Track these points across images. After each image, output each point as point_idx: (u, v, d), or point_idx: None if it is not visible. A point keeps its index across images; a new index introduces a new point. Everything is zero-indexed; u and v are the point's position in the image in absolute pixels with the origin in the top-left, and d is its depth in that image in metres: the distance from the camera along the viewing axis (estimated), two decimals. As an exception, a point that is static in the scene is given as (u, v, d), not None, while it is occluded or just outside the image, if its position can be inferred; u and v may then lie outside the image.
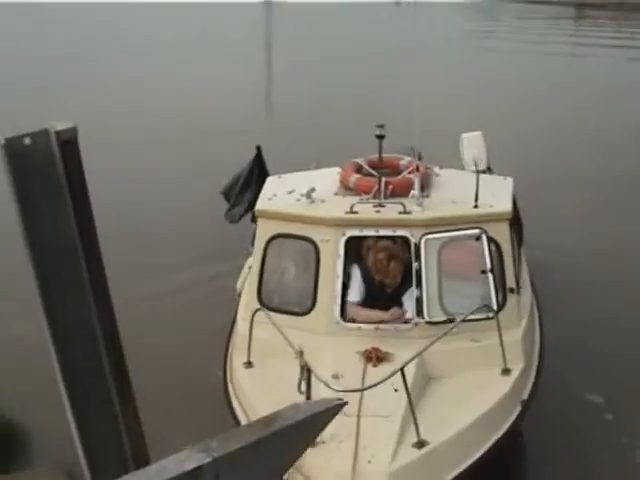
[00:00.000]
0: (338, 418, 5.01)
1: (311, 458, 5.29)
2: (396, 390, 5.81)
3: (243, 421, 6.49)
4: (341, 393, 5.50)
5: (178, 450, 2.74)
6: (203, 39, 43.26)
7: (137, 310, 10.74)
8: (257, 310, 7.17)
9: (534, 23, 59.77)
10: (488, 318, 6.83)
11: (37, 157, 3.56)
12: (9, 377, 9.47)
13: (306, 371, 5.75)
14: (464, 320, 6.66)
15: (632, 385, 9.60)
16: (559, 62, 36.67)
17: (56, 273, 3.71)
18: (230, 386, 7.27)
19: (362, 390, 5.82)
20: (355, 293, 7.40)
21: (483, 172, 10.56)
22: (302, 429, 3.13)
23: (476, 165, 9.45)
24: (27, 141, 3.53)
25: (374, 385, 5.65)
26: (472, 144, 11.79)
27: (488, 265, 6.97)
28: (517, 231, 8.55)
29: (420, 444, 5.74)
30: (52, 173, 3.64)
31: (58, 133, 3.59)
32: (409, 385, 5.83)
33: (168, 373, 9.65)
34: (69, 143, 3.64)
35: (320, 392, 5.66)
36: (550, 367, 8.02)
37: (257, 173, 9.54)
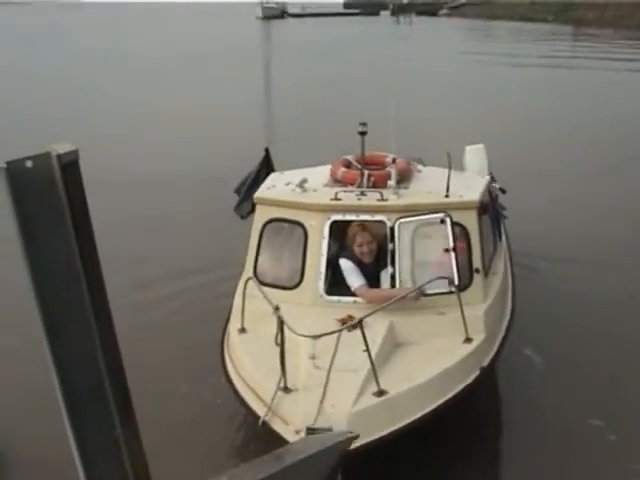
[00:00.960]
0: (312, 371, 6.58)
1: (286, 402, 6.47)
2: (364, 350, 6.51)
3: (234, 378, 7.45)
4: (309, 344, 6.74)
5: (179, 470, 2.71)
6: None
7: (146, 316, 11.09)
8: (248, 279, 8.02)
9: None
10: (452, 292, 7.58)
11: (39, 180, 3.55)
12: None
13: (279, 323, 6.56)
14: (433, 294, 7.69)
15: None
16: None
17: (57, 295, 3.69)
18: (225, 350, 8.11)
19: (317, 337, 6.63)
20: (357, 278, 8.21)
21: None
22: (312, 463, 3.09)
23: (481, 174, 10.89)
24: (29, 164, 3.51)
25: (327, 334, 6.56)
26: (474, 156, 12.39)
27: (451, 244, 7.83)
28: (494, 222, 9.64)
29: (380, 393, 6.54)
30: (54, 195, 3.62)
31: (59, 156, 3.58)
32: (378, 346, 6.95)
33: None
34: (70, 166, 3.62)
35: (293, 343, 6.63)
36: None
37: (265, 172, 10.29)
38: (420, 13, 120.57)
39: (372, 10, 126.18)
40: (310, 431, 6.16)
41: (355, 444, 6.10)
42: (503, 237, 10.58)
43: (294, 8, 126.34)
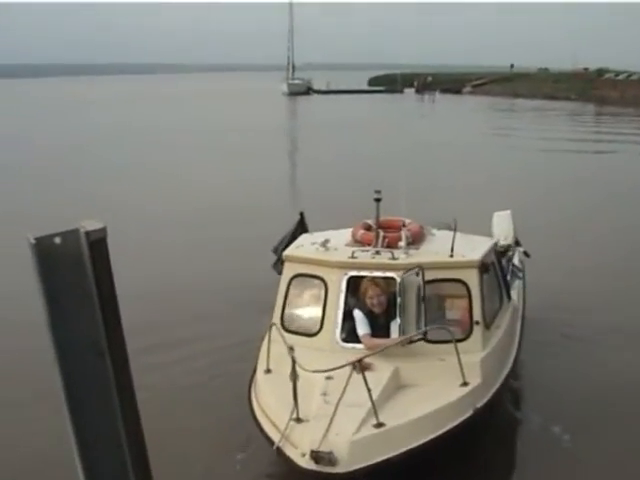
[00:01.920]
0: (322, 405, 7.71)
1: (297, 430, 7.65)
2: (369, 390, 7.52)
3: (257, 412, 8.62)
4: (322, 383, 8.06)
5: None
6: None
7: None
8: (272, 325, 9.47)
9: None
10: (450, 341, 8.50)
11: (67, 256, 3.53)
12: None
13: (292, 361, 7.68)
14: (435, 342, 8.83)
15: None
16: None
17: (82, 377, 3.65)
18: (252, 388, 9.25)
19: (323, 371, 7.95)
20: (363, 327, 9.30)
21: (509, 246, 13.45)
22: None
23: (506, 238, 13.33)
24: (57, 240, 3.50)
25: (331, 370, 7.81)
26: (502, 221, 14.16)
27: (421, 295, 8.92)
28: (500, 281, 10.84)
29: (378, 425, 7.62)
30: (81, 272, 3.60)
31: (88, 233, 3.57)
32: (382, 386, 8.15)
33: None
34: (98, 243, 3.61)
35: (309, 382, 7.94)
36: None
37: (299, 233, 11.32)
38: (444, 91, 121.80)
39: (396, 87, 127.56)
40: (314, 453, 7.23)
41: (353, 467, 7.25)
42: (515, 295, 11.82)
43: (320, 84, 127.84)
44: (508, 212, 14.47)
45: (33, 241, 3.45)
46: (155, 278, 17.08)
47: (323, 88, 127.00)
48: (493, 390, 8.94)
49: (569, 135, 50.47)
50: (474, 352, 8.92)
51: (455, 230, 9.75)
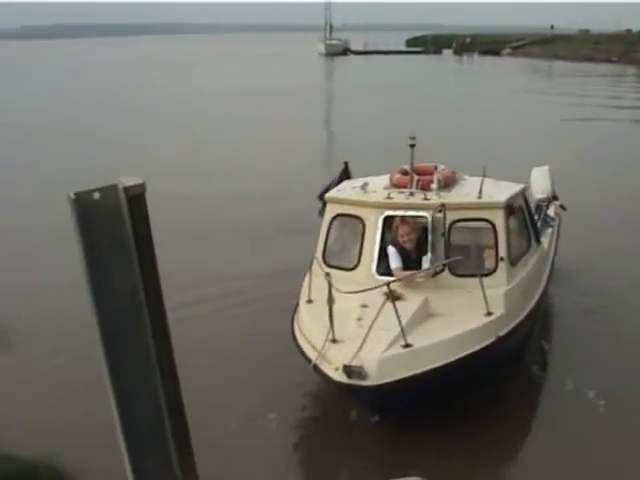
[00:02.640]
0: (356, 328, 8.47)
1: (332, 350, 8.42)
2: (399, 316, 8.34)
3: (298, 336, 9.44)
4: (358, 310, 8.91)
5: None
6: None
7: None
8: (313, 258, 10.43)
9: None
10: (478, 274, 9.30)
11: (105, 212, 3.58)
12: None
13: (329, 285, 8.65)
14: (463, 275, 9.68)
15: None
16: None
17: (120, 328, 3.71)
18: (295, 317, 10.05)
19: (359, 292, 8.80)
20: (395, 261, 10.05)
21: (548, 199, 14.59)
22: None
23: (544, 193, 14.45)
24: (96, 196, 3.55)
25: (360, 291, 8.80)
26: (540, 175, 14.94)
27: (435, 232, 9.92)
28: (529, 225, 11.49)
29: (406, 346, 8.38)
30: (120, 228, 3.65)
31: (126, 189, 3.61)
32: (411, 313, 8.91)
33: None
34: (137, 198, 3.65)
35: (346, 310, 8.78)
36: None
37: (344, 180, 12.01)
38: (483, 52, 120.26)
39: (435, 48, 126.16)
40: (346, 368, 7.99)
41: (381, 381, 8.03)
42: (546, 242, 12.68)
43: (357, 45, 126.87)
44: (546, 167, 15.13)
45: (72, 196, 3.49)
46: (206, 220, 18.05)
47: (360, 49, 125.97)
48: (516, 321, 9.62)
49: (604, 100, 49.58)
50: (499, 286, 9.61)
51: (484, 176, 10.47)
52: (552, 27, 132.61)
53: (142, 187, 3.67)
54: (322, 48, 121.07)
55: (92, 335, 3.72)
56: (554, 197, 14.94)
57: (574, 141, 31.11)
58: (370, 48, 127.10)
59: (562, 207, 14.94)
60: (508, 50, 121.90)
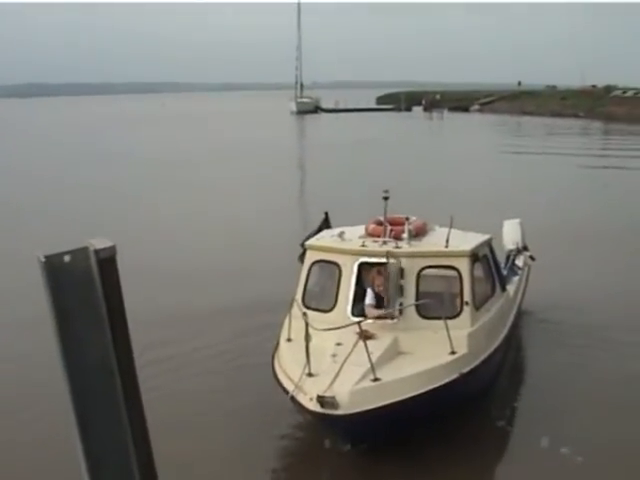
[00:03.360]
0: (330, 364, 9.18)
1: (307, 382, 9.19)
2: (369, 353, 9.13)
3: (278, 371, 10.22)
4: (333, 348, 9.70)
5: None
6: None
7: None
8: (293, 300, 11.12)
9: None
10: (443, 317, 10.09)
11: (76, 274, 3.56)
12: None
13: (305, 324, 9.38)
14: (432, 318, 10.42)
15: None
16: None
17: (90, 389, 3.67)
18: (275, 354, 10.80)
19: (329, 330, 9.60)
20: (370, 299, 11.07)
21: (517, 250, 15.54)
22: None
23: (515, 244, 15.46)
24: (67, 258, 3.53)
25: (333, 329, 9.66)
26: (511, 228, 15.98)
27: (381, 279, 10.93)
28: (494, 273, 12.35)
29: (375, 379, 9.15)
30: (90, 290, 3.63)
31: (97, 251, 3.60)
32: (382, 351, 9.75)
33: None
34: (108, 261, 3.64)
35: (321, 349, 9.59)
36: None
37: (324, 229, 12.74)
38: (452, 109, 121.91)
39: (405, 106, 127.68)
40: (319, 398, 8.77)
41: (352, 411, 8.80)
42: (512, 289, 13.58)
43: (328, 103, 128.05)
44: (517, 220, 16.20)
45: (43, 259, 3.48)
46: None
47: (331, 107, 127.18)
48: (479, 360, 10.39)
49: (574, 151, 50.39)
50: (463, 328, 10.44)
51: (451, 226, 11.29)
52: (519, 83, 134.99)
53: (112, 250, 3.66)
54: (293, 106, 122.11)
55: (63, 399, 3.68)
56: (524, 248, 15.83)
57: (542, 194, 31.51)
58: (341, 106, 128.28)
59: (531, 258, 15.75)
60: (477, 106, 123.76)
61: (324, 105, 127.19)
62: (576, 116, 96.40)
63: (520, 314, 13.78)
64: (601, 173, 40.76)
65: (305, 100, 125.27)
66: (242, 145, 58.59)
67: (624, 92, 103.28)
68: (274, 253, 20.30)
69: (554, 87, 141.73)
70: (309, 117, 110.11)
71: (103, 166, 45.31)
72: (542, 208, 27.35)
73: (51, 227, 24.38)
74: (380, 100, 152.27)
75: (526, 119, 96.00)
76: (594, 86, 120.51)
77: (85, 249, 3.60)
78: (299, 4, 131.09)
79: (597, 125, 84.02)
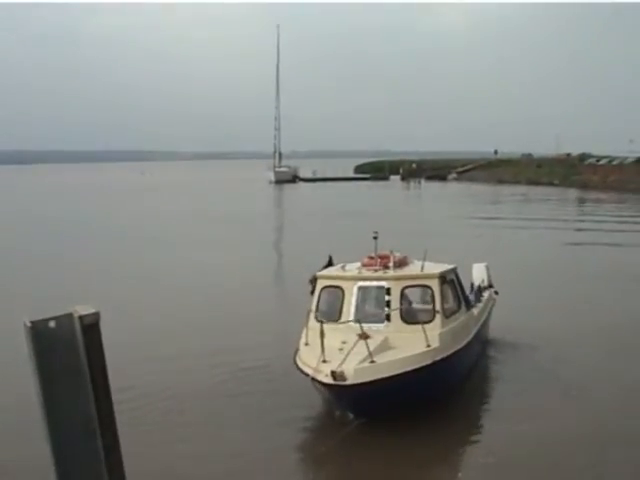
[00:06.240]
0: (339, 354, 12.86)
1: (323, 366, 12.58)
2: (368, 345, 12.92)
3: (299, 364, 13.70)
4: (340, 345, 13.25)
5: None
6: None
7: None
8: (309, 313, 15.03)
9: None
10: (421, 322, 14.05)
11: (61, 340, 3.71)
12: None
13: (321, 327, 12.99)
14: (413, 323, 14.29)
15: None
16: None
17: (73, 451, 3.77)
18: (297, 354, 14.25)
19: (340, 323, 14.27)
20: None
21: (483, 287, 19.64)
22: None
23: (482, 281, 19.84)
24: (52, 324, 3.68)
25: (338, 323, 14.34)
26: (478, 269, 20.45)
27: (386, 298, 14.73)
28: (459, 294, 16.13)
29: (372, 362, 12.70)
30: (74, 355, 3.77)
31: (81, 317, 3.74)
32: (376, 345, 13.24)
33: None
34: (91, 327, 3.79)
35: (333, 346, 13.04)
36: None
37: (329, 266, 16.90)
38: (429, 178, 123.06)
39: (382, 175, 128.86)
40: (333, 373, 12.28)
41: (356, 381, 12.30)
42: (476, 311, 17.23)
43: (306, 172, 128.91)
44: (484, 264, 20.70)
45: (29, 324, 3.63)
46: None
47: (309, 176, 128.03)
48: (447, 353, 14.00)
49: (548, 221, 51.15)
50: (435, 330, 14.07)
51: (425, 258, 15.78)
52: (496, 152, 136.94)
53: (96, 316, 3.82)
54: (271, 176, 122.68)
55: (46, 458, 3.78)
56: (490, 285, 20.13)
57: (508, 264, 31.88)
58: (319, 175, 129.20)
59: (496, 292, 20.01)
60: (454, 175, 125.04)
61: (302, 174, 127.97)
62: (551, 184, 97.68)
63: (487, 340, 18.61)
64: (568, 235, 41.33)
65: (283, 169, 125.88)
66: (217, 216, 58.69)
67: (598, 160, 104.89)
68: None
69: (530, 155, 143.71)
70: (287, 186, 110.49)
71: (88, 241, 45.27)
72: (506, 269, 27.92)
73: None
74: (358, 169, 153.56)
75: (503, 188, 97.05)
76: (568, 154, 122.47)
77: (70, 315, 3.76)
78: (277, 76, 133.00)
79: (572, 192, 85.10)
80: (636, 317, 21.65)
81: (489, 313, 18.72)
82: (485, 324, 18.07)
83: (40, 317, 3.74)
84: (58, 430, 3.76)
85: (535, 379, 16.03)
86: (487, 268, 20.56)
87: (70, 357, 3.76)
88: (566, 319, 21.65)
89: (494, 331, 19.15)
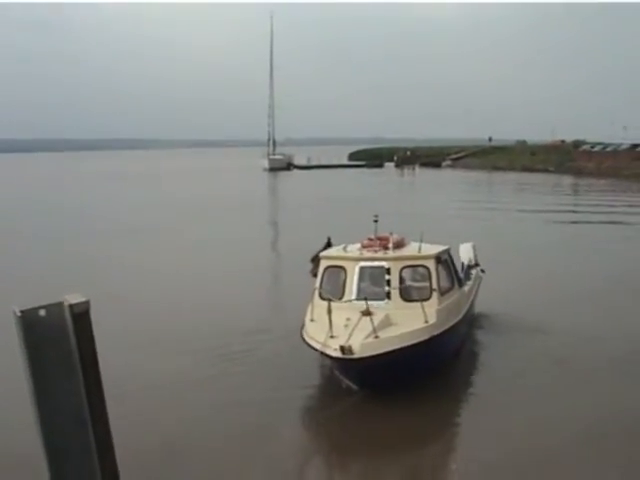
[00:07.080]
0: (345, 330, 13.76)
1: (331, 341, 13.41)
2: (372, 321, 13.83)
3: (306, 338, 14.49)
4: (345, 321, 14.13)
5: None
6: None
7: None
8: (314, 290, 15.81)
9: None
10: (418, 300, 14.94)
11: (51, 329, 3.70)
12: None
13: (328, 304, 13.87)
14: (412, 300, 15.25)
15: None
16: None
17: (64, 440, 3.77)
18: (303, 329, 14.99)
19: (348, 301, 15.20)
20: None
21: (470, 266, 20.69)
22: None
23: (469, 260, 20.93)
24: (42, 313, 3.68)
25: (346, 300, 15.29)
26: (465, 249, 21.42)
27: (386, 277, 15.63)
28: (452, 274, 17.18)
29: (376, 337, 13.58)
30: (64, 344, 3.77)
31: (71, 306, 3.74)
32: (378, 321, 14.06)
33: None
34: (82, 316, 3.78)
35: (338, 323, 13.81)
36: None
37: (327, 249, 18.07)
38: (424, 164, 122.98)
39: (377, 162, 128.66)
40: (341, 347, 13.11)
41: (363, 355, 13.18)
42: (467, 288, 18.42)
43: (301, 159, 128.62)
44: (471, 243, 21.75)
45: (19, 314, 3.62)
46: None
47: (304, 163, 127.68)
48: (443, 328, 14.86)
49: (541, 207, 51.22)
50: (432, 307, 14.91)
51: (421, 240, 16.66)
52: (490, 139, 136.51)
53: (86, 305, 3.81)
54: (266, 163, 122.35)
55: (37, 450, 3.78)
56: (476, 264, 21.09)
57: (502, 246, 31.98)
58: (313, 162, 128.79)
59: (482, 271, 20.96)
60: (448, 162, 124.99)
61: (297, 162, 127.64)
62: (546, 171, 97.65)
63: (474, 314, 19.46)
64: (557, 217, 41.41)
65: (277, 157, 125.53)
66: (210, 204, 58.52)
67: (592, 147, 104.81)
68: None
69: (524, 142, 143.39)
70: (281, 174, 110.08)
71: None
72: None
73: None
74: (352, 156, 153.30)
75: (497, 175, 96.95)
76: (563, 141, 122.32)
77: (60, 304, 3.75)
78: (271, 63, 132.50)
79: (567, 179, 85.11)
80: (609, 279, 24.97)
81: (477, 290, 19.90)
82: (473, 300, 19.25)
83: (30, 306, 3.73)
84: (49, 419, 3.75)
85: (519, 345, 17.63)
86: (474, 248, 21.73)
87: (61, 346, 3.75)
88: (548, 291, 23.43)
89: (481, 304, 20.16)
